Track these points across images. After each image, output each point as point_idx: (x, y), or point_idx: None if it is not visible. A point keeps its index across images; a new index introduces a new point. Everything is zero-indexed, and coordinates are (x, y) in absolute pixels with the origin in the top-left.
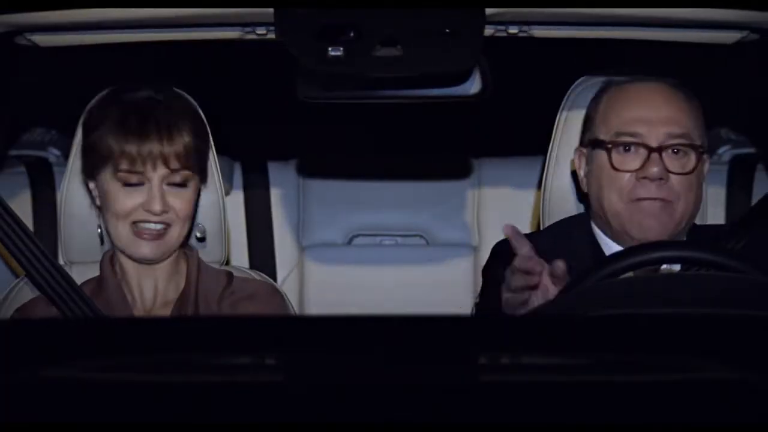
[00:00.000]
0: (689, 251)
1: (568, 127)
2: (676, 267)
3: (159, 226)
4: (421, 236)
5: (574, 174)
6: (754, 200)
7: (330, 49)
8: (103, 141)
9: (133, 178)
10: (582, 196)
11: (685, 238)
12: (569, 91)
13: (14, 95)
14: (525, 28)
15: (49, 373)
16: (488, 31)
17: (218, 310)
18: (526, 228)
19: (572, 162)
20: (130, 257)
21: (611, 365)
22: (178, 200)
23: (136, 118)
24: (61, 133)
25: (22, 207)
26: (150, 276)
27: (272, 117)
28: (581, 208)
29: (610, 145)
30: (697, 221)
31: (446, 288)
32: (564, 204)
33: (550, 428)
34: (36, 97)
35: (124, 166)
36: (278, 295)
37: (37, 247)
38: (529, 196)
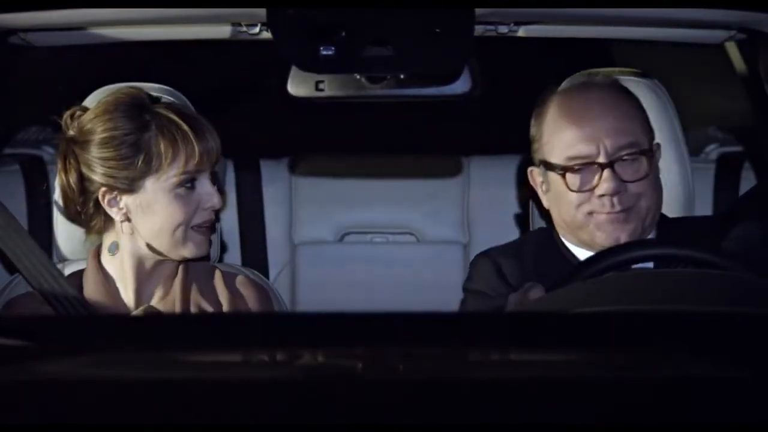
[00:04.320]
0: (675, 249)
1: None
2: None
3: (210, 227)
4: (411, 234)
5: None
6: None
7: (322, 48)
8: (154, 149)
9: (190, 177)
10: (544, 212)
11: (654, 231)
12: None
13: (9, 94)
14: (514, 27)
15: (38, 369)
16: (478, 30)
17: (207, 307)
18: (515, 226)
19: (531, 181)
20: (179, 256)
21: (597, 362)
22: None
23: (180, 118)
24: (56, 131)
25: (17, 205)
26: (137, 273)
27: (264, 116)
28: None
29: (562, 171)
30: None
31: (436, 285)
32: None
33: (537, 424)
34: (31, 95)
35: (188, 167)
36: (268, 292)
37: (30, 244)
38: (518, 194)
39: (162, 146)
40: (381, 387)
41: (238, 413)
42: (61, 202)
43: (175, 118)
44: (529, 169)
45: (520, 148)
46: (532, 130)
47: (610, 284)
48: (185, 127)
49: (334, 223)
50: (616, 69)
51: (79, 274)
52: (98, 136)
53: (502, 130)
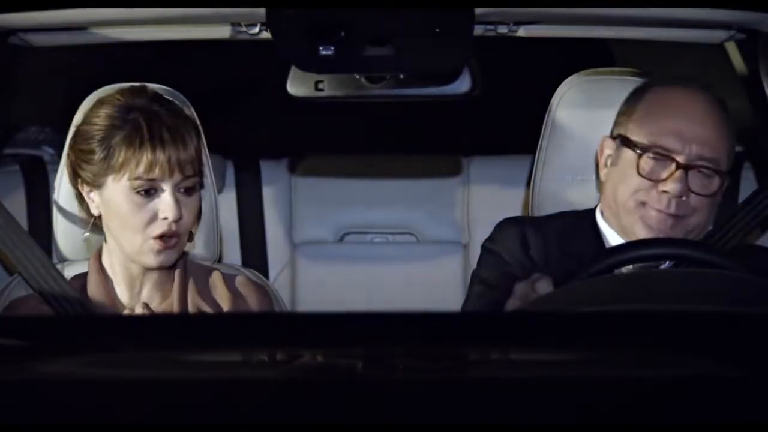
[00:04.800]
0: (678, 249)
1: (557, 126)
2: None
3: (173, 240)
4: (411, 234)
5: (562, 173)
6: (741, 197)
7: (321, 48)
8: (114, 150)
9: (147, 186)
10: (599, 185)
11: None
12: (558, 91)
13: (8, 94)
14: (514, 27)
15: (38, 369)
16: (478, 30)
17: (206, 308)
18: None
19: (598, 149)
20: (138, 264)
21: (600, 361)
22: (188, 207)
23: (148, 125)
24: (55, 131)
25: (16, 205)
26: (139, 275)
27: (264, 116)
28: (569, 207)
29: (640, 151)
30: None
31: (436, 285)
32: (552, 202)
33: (540, 424)
34: (30, 96)
35: (140, 174)
36: (266, 292)
37: (30, 244)
38: (518, 194)
39: (123, 148)
40: (381, 387)
41: (238, 413)
42: (60, 202)
43: (144, 123)
44: (604, 136)
45: (521, 147)
46: (627, 103)
47: (612, 283)
48: (146, 134)
49: (334, 223)
50: (617, 69)
51: (83, 276)
52: (79, 127)
53: (502, 131)
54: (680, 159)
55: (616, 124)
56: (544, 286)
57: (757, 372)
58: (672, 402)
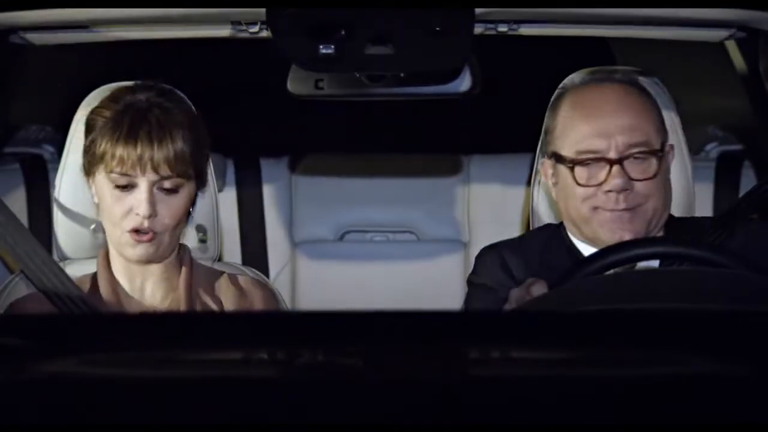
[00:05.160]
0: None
1: None
2: (655, 263)
3: (146, 236)
4: (411, 232)
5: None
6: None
7: (321, 47)
8: (96, 141)
9: (123, 181)
10: (552, 206)
11: (661, 233)
12: (558, 89)
13: (9, 93)
14: (514, 26)
15: (42, 368)
16: (478, 29)
17: (212, 306)
18: (515, 225)
19: (542, 171)
20: (125, 258)
21: (599, 360)
22: (167, 207)
23: (130, 120)
24: (56, 130)
25: (17, 204)
26: (143, 274)
27: (264, 114)
28: None
29: (571, 164)
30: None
31: (436, 284)
32: (552, 202)
33: (538, 423)
34: (31, 94)
35: (115, 168)
36: (270, 291)
37: (31, 242)
38: (518, 193)
39: (103, 141)
40: (381, 386)
41: (238, 411)
42: (61, 200)
43: (126, 119)
44: (541, 160)
45: (521, 146)
46: (547, 122)
47: (610, 282)
48: (125, 129)
49: (335, 221)
50: (617, 69)
51: (92, 276)
52: (86, 117)
53: (502, 130)
54: (610, 155)
55: (545, 143)
56: (539, 289)
57: (757, 371)
58: (671, 401)
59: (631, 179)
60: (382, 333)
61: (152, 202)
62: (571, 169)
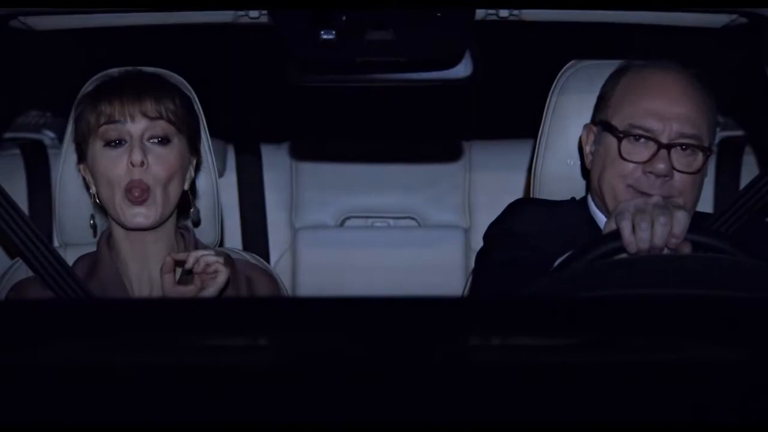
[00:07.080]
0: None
1: (558, 111)
2: None
3: (143, 194)
4: (412, 218)
5: (563, 157)
6: (743, 182)
7: (322, 32)
8: (86, 106)
9: (114, 134)
10: (583, 172)
11: None
12: (559, 76)
13: (9, 78)
14: (515, 12)
15: (39, 353)
16: (479, 15)
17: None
18: None
19: (580, 137)
20: (124, 226)
21: (602, 346)
22: (158, 158)
23: (115, 82)
24: (56, 115)
25: (17, 189)
26: (147, 256)
27: (264, 100)
28: (570, 193)
29: (621, 134)
30: None
31: (438, 269)
32: (553, 187)
33: (542, 409)
34: (31, 80)
35: (103, 122)
36: (271, 277)
37: (31, 229)
38: (519, 179)
39: (92, 99)
40: (382, 373)
41: (237, 397)
42: (61, 186)
43: (115, 77)
44: (586, 124)
45: (522, 132)
46: (605, 88)
47: (617, 268)
48: (113, 84)
49: (335, 207)
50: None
51: (91, 256)
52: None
53: (503, 116)
54: (661, 138)
55: (597, 109)
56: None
57: (759, 357)
58: (673, 385)
59: (674, 168)
60: (383, 319)
61: (143, 149)
62: (619, 140)
